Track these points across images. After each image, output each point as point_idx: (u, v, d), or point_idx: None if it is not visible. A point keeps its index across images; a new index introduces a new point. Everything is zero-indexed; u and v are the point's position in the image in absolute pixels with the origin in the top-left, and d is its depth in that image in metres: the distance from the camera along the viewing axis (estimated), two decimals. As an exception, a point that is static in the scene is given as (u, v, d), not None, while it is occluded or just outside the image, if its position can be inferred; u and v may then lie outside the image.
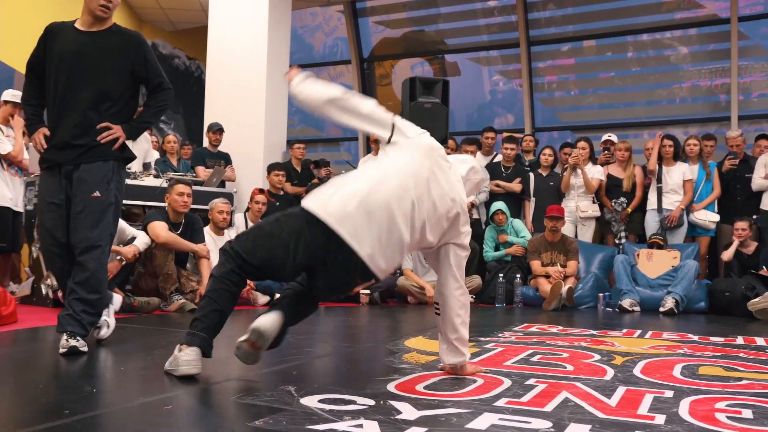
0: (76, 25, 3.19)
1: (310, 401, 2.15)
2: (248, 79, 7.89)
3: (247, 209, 6.52)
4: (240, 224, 6.37)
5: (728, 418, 2.10)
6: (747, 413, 2.18)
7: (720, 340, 3.90)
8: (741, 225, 6.10)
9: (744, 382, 2.71)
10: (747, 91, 8.58)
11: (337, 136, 11.18)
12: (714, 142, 7.06)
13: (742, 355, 3.43)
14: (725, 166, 6.72)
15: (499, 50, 10.06)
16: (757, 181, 6.53)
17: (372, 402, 2.18)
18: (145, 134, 6.23)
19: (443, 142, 7.20)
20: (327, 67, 11.17)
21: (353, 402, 2.17)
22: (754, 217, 6.43)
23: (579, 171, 6.85)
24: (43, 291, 4.92)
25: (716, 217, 6.59)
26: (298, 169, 7.83)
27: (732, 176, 6.73)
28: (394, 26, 10.58)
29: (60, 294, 4.73)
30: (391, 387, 2.43)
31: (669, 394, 2.43)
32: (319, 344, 3.81)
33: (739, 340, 4.05)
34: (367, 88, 10.58)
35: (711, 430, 1.97)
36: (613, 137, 7.42)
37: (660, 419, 2.06)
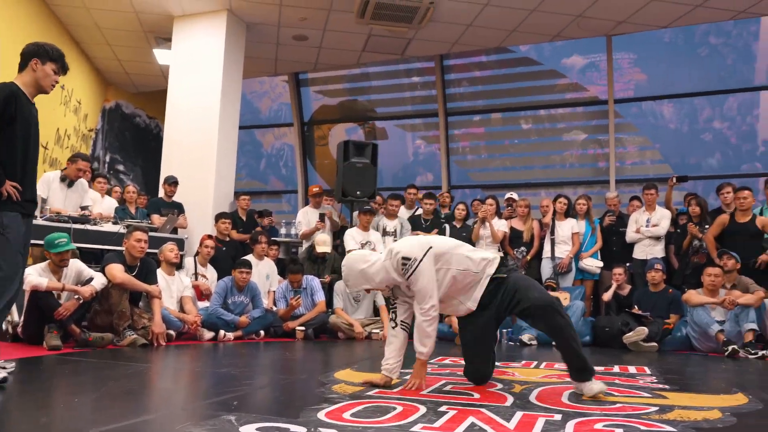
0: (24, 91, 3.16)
1: (249, 429, 2.12)
2: (202, 138, 7.80)
3: (197, 253, 6.39)
4: (190, 266, 6.22)
5: (604, 437, 2.19)
6: (619, 432, 2.27)
7: (600, 369, 4.04)
8: (618, 271, 6.38)
9: (618, 405, 2.81)
10: (622, 159, 9.10)
11: (279, 189, 11.14)
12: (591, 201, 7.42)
13: (617, 381, 3.55)
14: (605, 221, 7.06)
15: (421, 118, 10.33)
16: (630, 234, 6.88)
17: (304, 429, 2.16)
18: (83, 182, 6.07)
19: (371, 197, 7.32)
20: (272, 128, 11.19)
21: (287, 430, 2.15)
22: (627, 264, 6.74)
23: (487, 224, 7.03)
24: (3, 326, 4.65)
25: (600, 264, 6.87)
26: (243, 217, 7.73)
27: (609, 230, 7.06)
28: (331, 95, 10.73)
29: (20, 329, 4.51)
30: (321, 415, 2.42)
31: (558, 417, 2.50)
32: (258, 376, 3.74)
33: (615, 368, 4.19)
34: (307, 147, 10.63)
35: (589, 448, 2.05)
36: (515, 195, 7.63)
37: (549, 440, 2.13)
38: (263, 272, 6.56)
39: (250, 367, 3.99)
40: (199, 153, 7.77)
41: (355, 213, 7.33)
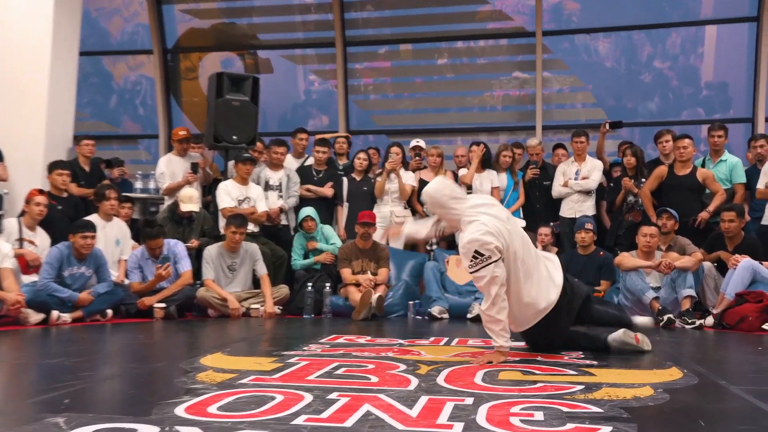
0: None
1: (81, 433, 1.99)
2: (27, 64, 7.32)
3: (22, 213, 6.00)
4: (12, 230, 5.84)
5: (521, 421, 2.23)
6: (539, 415, 2.32)
7: (521, 344, 4.16)
8: (543, 231, 6.60)
9: (539, 385, 2.89)
10: (550, 102, 9.37)
11: (135, 133, 10.63)
12: (522, 150, 7.60)
13: (539, 358, 3.66)
14: (527, 175, 7.25)
15: (314, 49, 10.14)
16: (556, 188, 7.12)
17: (157, 429, 2.06)
18: None
19: (251, 142, 7.14)
20: (125, 56, 10.61)
21: (134, 431, 2.04)
22: (553, 223, 6.98)
23: (394, 176, 7.03)
24: None
25: (523, 223, 7.06)
26: (86, 168, 7.34)
27: (532, 184, 7.27)
28: (202, 16, 10.29)
29: None
30: (180, 410, 2.32)
31: (469, 401, 2.53)
32: (102, 366, 3.58)
33: (539, 344, 4.34)
34: (171, 81, 10.17)
35: (504, 434, 2.08)
36: (422, 143, 7.69)
37: (458, 427, 2.13)
38: (112, 236, 6.31)
39: (90, 356, 3.80)
40: (25, 84, 7.30)
41: (231, 162, 7.13)
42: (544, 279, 3.68)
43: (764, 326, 5.25)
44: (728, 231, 6.04)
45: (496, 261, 3.42)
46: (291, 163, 7.52)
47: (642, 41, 9.16)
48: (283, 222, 7.19)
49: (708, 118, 8.51)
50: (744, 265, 5.65)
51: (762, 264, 5.70)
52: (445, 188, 3.70)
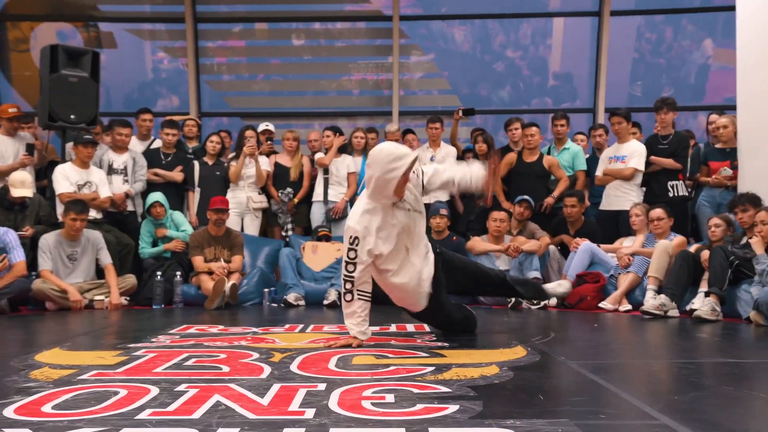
0: None
1: None
2: None
3: None
4: None
5: (372, 404, 2.30)
6: (390, 398, 2.40)
7: (376, 329, 4.27)
8: None
9: (392, 368, 2.98)
10: (407, 88, 9.60)
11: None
12: (376, 135, 7.75)
13: (393, 342, 3.78)
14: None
15: (163, 24, 9.80)
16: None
17: (-21, 433, 1.96)
18: None
19: (92, 122, 6.81)
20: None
21: (-52, 438, 1.93)
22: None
23: (249, 161, 6.98)
24: None
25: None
26: None
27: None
28: (34, -19, 9.65)
29: None
30: (9, 412, 2.21)
31: (322, 387, 2.58)
32: None
33: (393, 327, 4.47)
34: (-1, 52, 9.47)
35: (356, 417, 2.14)
36: (271, 126, 7.68)
37: (310, 413, 2.18)
38: (-68, 225, 5.81)
39: None
40: None
41: (69, 144, 6.76)
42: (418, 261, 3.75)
43: (600, 305, 5.72)
44: (570, 216, 6.51)
45: (354, 248, 3.50)
46: (136, 145, 7.25)
47: (496, 30, 9.58)
48: (130, 208, 6.93)
49: (555, 108, 9.05)
50: (583, 248, 6.12)
51: (599, 247, 6.18)
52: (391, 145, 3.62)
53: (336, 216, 7.01)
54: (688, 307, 5.16)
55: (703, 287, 5.18)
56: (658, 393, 2.69)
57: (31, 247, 6.07)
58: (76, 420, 2.10)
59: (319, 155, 7.19)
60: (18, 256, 5.69)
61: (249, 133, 7.20)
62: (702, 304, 4.97)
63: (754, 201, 5.38)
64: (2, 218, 6.16)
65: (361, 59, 9.73)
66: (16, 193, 6.19)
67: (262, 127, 7.59)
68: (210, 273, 6.13)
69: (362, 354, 3.38)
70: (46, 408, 2.27)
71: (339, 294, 6.03)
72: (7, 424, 2.06)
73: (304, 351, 3.46)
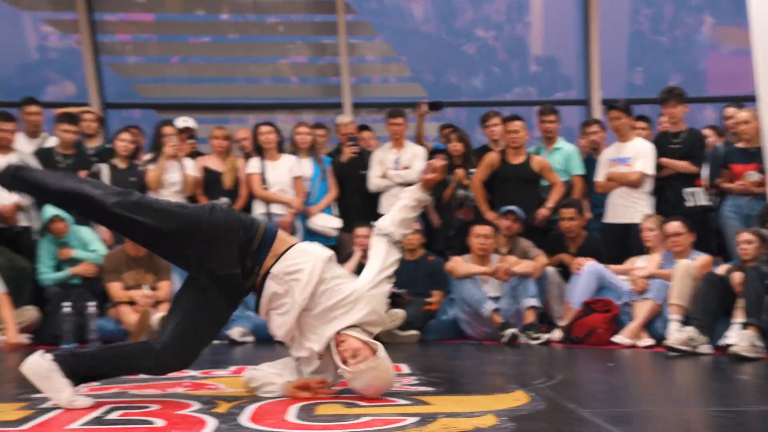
0: None
1: None
2: None
3: None
4: None
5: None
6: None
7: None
8: (362, 232, 6.60)
9: (364, 419, 2.93)
10: (360, 75, 9.46)
11: None
12: (326, 132, 7.57)
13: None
14: (345, 154, 7.25)
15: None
16: (374, 180, 7.18)
17: None
18: None
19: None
20: None
21: None
22: (372, 223, 6.99)
23: (176, 164, 6.85)
24: None
25: (338, 222, 7.06)
26: None
27: (347, 171, 7.25)
28: None
29: None
30: None
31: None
32: None
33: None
34: None
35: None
36: (191, 122, 7.57)
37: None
38: None
39: None
40: None
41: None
42: None
43: (614, 338, 5.68)
44: (569, 231, 6.46)
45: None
46: (23, 145, 7.02)
47: (463, 5, 9.58)
48: (23, 223, 6.72)
49: (541, 99, 9.07)
50: (588, 269, 6.07)
51: (608, 268, 6.12)
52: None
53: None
54: (721, 342, 5.15)
55: (738, 317, 5.17)
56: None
57: None
58: None
59: (254, 162, 7.01)
60: None
61: (168, 129, 7.03)
62: (739, 338, 4.96)
63: (788, 212, 5.42)
64: None
65: (299, 38, 9.58)
66: None
67: (180, 123, 7.44)
68: (132, 303, 6.05)
69: (327, 402, 3.31)
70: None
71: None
72: None
73: (256, 399, 3.42)
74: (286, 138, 7.29)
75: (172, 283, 6.30)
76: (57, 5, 9.49)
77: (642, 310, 5.72)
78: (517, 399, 3.35)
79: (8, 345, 5.75)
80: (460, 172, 6.97)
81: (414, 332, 5.90)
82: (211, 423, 2.90)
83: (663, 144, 6.74)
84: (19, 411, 3.22)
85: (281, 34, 9.62)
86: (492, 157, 6.95)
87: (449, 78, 9.54)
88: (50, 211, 6.39)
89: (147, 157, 7.05)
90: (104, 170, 6.88)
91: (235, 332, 5.99)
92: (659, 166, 6.62)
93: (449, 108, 8.69)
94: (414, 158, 7.22)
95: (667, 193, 6.67)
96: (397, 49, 9.61)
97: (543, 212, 6.72)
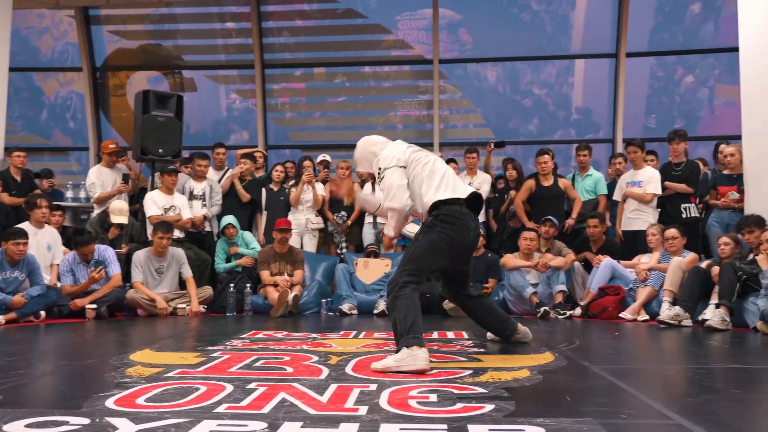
0: None
1: (15, 427, 1.93)
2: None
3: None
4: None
5: (418, 403, 2.31)
6: (433, 397, 2.41)
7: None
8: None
9: (434, 371, 2.97)
10: (446, 122, 9.61)
11: (66, 145, 10.17)
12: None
13: (435, 348, 3.75)
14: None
15: (236, 70, 10.00)
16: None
17: (87, 420, 2.02)
18: None
19: (176, 155, 6.99)
20: (56, 72, 10.13)
21: (66, 423, 2.00)
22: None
23: (307, 187, 7.04)
24: None
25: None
26: (18, 178, 6.98)
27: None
28: (130, 37, 9.96)
29: None
30: (109, 403, 2.28)
31: (373, 387, 2.59)
32: (35, 364, 3.43)
33: (435, 335, 4.46)
34: (100, 97, 9.80)
35: (403, 414, 2.15)
36: (327, 157, 7.67)
37: (363, 410, 2.19)
38: (44, 242, 6.03)
39: (24, 355, 3.65)
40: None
41: (157, 174, 6.94)
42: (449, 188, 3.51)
43: (621, 315, 5.61)
44: (593, 235, 6.40)
45: (393, 167, 3.44)
46: (212, 175, 7.35)
47: (524, 70, 9.54)
48: (207, 229, 7.05)
49: (578, 138, 8.96)
50: (605, 263, 6.00)
51: (619, 262, 6.07)
52: (366, 142, 3.75)
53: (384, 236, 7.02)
54: (700, 318, 5.05)
55: (714, 299, 5.04)
56: (674, 395, 2.66)
57: (125, 262, 6.23)
58: (165, 411, 2.16)
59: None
60: (115, 269, 5.87)
61: (307, 162, 7.25)
62: (713, 314, 4.85)
63: (759, 222, 5.27)
64: (103, 237, 6.35)
65: (405, 98, 9.78)
66: (115, 219, 6.38)
67: (320, 158, 7.60)
68: (275, 285, 6.15)
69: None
70: (140, 400, 2.33)
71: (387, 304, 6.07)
72: (109, 413, 2.13)
73: (357, 354, 3.46)
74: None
75: (304, 272, 6.45)
76: (242, 80, 9.95)
77: (643, 294, 5.62)
78: (545, 358, 3.37)
79: (192, 313, 5.93)
80: (513, 192, 7.02)
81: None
82: (325, 371, 2.94)
83: (667, 171, 6.57)
84: (197, 358, 3.33)
85: (392, 95, 9.85)
86: (530, 182, 6.89)
87: (511, 123, 9.54)
88: (225, 219, 6.68)
89: (291, 182, 7.30)
90: (263, 192, 7.15)
91: (345, 307, 6.08)
92: (664, 188, 6.51)
93: (510, 146, 8.68)
94: (482, 182, 7.24)
95: (668, 207, 6.50)
96: (474, 103, 9.65)
97: (569, 222, 6.68)
